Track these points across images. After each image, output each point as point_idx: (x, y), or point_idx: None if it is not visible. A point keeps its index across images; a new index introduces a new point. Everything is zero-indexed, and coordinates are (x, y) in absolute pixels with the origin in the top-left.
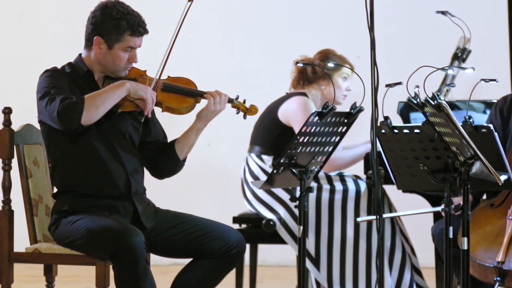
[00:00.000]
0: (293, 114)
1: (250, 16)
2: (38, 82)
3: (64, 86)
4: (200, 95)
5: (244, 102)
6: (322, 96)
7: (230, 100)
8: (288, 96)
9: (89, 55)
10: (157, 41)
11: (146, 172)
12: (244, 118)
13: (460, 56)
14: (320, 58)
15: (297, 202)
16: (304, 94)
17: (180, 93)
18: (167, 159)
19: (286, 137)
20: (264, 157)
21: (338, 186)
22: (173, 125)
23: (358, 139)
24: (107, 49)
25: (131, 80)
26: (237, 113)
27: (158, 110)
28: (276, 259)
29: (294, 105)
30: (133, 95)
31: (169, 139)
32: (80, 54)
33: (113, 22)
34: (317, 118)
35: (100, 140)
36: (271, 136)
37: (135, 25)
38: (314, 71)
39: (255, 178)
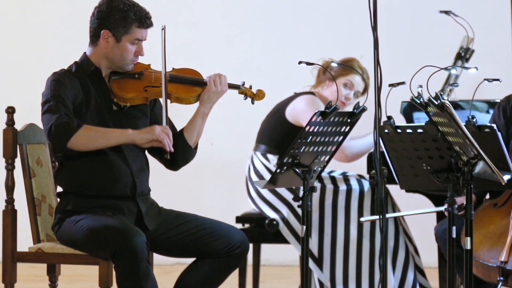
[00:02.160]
0: (302, 112)
1: (253, 16)
2: (45, 85)
3: (66, 95)
4: (203, 82)
5: (251, 87)
6: (318, 95)
7: (237, 86)
8: (296, 95)
9: (95, 52)
10: (156, 36)
11: (151, 172)
12: (252, 103)
13: (463, 55)
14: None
15: (300, 202)
16: (312, 94)
17: (187, 83)
18: (178, 149)
19: (292, 137)
20: (269, 156)
21: (342, 186)
22: (178, 115)
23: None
24: (115, 42)
25: (138, 74)
26: (245, 99)
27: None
28: (279, 259)
29: (302, 103)
30: (140, 141)
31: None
32: (85, 53)
33: (120, 14)
34: (320, 117)
35: None
36: (278, 135)
37: (142, 17)
38: (325, 72)
39: (260, 176)
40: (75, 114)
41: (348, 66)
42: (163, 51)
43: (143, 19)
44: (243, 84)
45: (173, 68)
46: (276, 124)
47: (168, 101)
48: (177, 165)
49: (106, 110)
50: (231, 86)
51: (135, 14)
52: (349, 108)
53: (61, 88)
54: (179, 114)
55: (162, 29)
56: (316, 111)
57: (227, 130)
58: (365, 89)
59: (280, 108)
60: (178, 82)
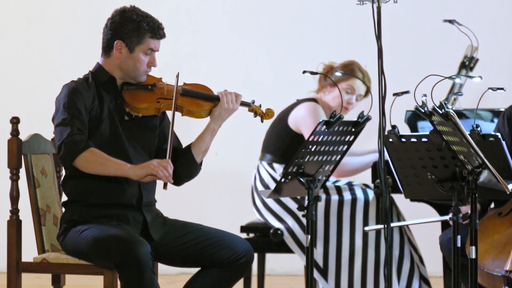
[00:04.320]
0: (302, 120)
1: (258, 25)
2: (60, 92)
3: (83, 106)
4: (215, 98)
5: (260, 106)
6: (320, 102)
7: (247, 104)
8: (298, 102)
9: (108, 62)
10: (167, 47)
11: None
12: (262, 121)
13: (467, 64)
14: (341, 68)
15: (305, 211)
16: (315, 100)
17: (199, 98)
18: (184, 164)
19: (297, 145)
20: (275, 165)
21: (347, 196)
22: (187, 129)
23: (365, 148)
24: (128, 53)
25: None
26: (255, 116)
27: (178, 115)
28: (284, 269)
29: (303, 111)
30: (135, 177)
31: (183, 143)
32: (98, 62)
33: (134, 25)
34: (324, 127)
35: (117, 151)
36: (282, 144)
37: (155, 27)
38: (326, 78)
39: (266, 186)
40: (90, 124)
41: (350, 75)
42: (175, 95)
43: (156, 30)
44: (253, 102)
45: (184, 83)
46: (280, 133)
47: (179, 114)
48: (181, 180)
49: (119, 120)
50: (242, 104)
51: (148, 24)
52: (353, 115)
53: (78, 98)
54: (188, 128)
55: (177, 76)
56: (320, 120)
57: (232, 140)
58: (367, 91)
59: (283, 116)
60: (190, 96)
